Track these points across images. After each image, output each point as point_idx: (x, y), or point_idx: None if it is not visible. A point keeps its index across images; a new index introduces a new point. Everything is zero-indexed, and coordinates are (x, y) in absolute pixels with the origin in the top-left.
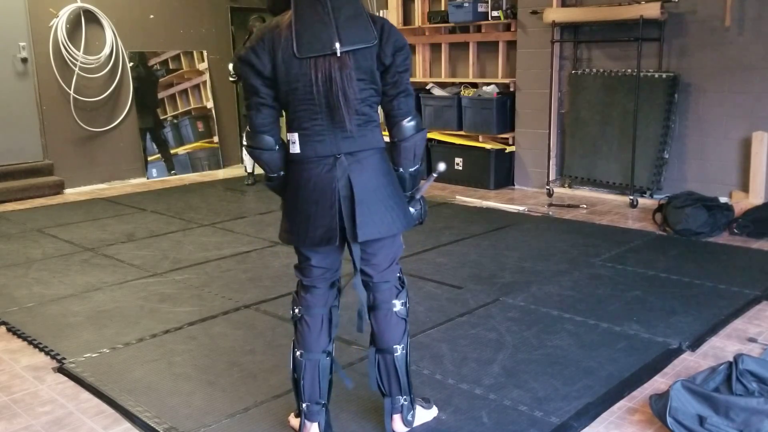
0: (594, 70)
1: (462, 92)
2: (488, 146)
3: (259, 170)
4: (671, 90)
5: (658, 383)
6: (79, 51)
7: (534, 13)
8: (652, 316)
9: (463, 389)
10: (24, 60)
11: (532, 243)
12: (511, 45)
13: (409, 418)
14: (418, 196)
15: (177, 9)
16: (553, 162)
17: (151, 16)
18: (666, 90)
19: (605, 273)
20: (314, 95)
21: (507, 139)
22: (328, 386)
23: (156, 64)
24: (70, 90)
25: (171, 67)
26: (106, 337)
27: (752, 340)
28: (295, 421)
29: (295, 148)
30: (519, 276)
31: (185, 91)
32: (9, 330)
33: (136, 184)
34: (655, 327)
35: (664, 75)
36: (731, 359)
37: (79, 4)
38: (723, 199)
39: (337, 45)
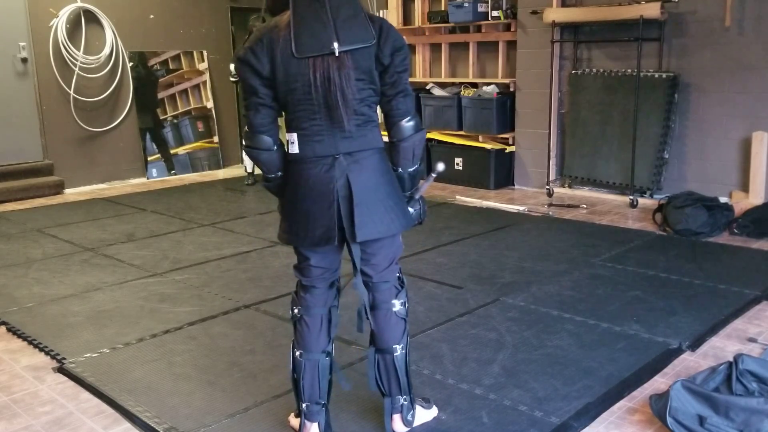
0: (594, 70)
1: (462, 92)
2: (488, 146)
3: (259, 170)
4: (671, 90)
5: (658, 383)
6: (79, 51)
7: (534, 13)
8: (652, 316)
9: (463, 389)
10: (24, 60)
11: (532, 243)
12: (511, 45)
13: (409, 417)
14: (417, 196)
15: (177, 9)
16: (553, 162)
17: (151, 16)
18: (666, 90)
19: (605, 273)
20: (313, 95)
21: (507, 139)
22: (327, 386)
23: (156, 64)
24: (70, 90)
25: (171, 67)
26: (106, 337)
27: (752, 340)
28: (295, 421)
29: (294, 148)
30: (519, 276)
31: (185, 91)
32: (9, 330)
33: (136, 184)
34: (655, 327)
35: (664, 75)
36: (731, 359)
37: (79, 4)
38: (723, 199)
39: (336, 45)
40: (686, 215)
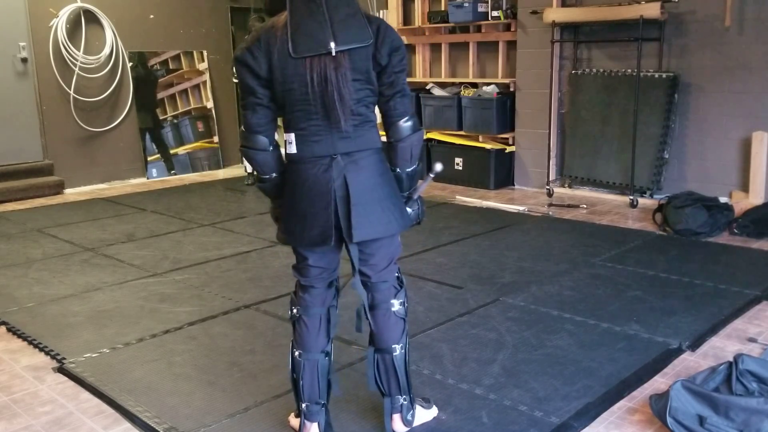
0: (594, 70)
1: (462, 92)
2: (488, 146)
3: None
4: (671, 90)
5: (658, 383)
6: (79, 51)
7: (534, 13)
8: (652, 316)
9: (463, 389)
10: (24, 60)
11: (532, 243)
12: (511, 45)
13: (409, 417)
14: (415, 197)
15: (177, 9)
16: (553, 162)
17: (151, 16)
18: (666, 90)
19: (605, 273)
20: (310, 95)
21: (507, 139)
22: (327, 386)
23: (156, 64)
24: (70, 90)
25: (171, 67)
26: (106, 337)
27: (752, 340)
28: (295, 421)
29: (292, 149)
30: (519, 276)
31: (185, 91)
32: (9, 330)
33: (136, 184)
34: (655, 327)
35: (664, 75)
36: (731, 359)
37: (79, 4)
38: (723, 199)
39: (332, 44)
40: (686, 215)
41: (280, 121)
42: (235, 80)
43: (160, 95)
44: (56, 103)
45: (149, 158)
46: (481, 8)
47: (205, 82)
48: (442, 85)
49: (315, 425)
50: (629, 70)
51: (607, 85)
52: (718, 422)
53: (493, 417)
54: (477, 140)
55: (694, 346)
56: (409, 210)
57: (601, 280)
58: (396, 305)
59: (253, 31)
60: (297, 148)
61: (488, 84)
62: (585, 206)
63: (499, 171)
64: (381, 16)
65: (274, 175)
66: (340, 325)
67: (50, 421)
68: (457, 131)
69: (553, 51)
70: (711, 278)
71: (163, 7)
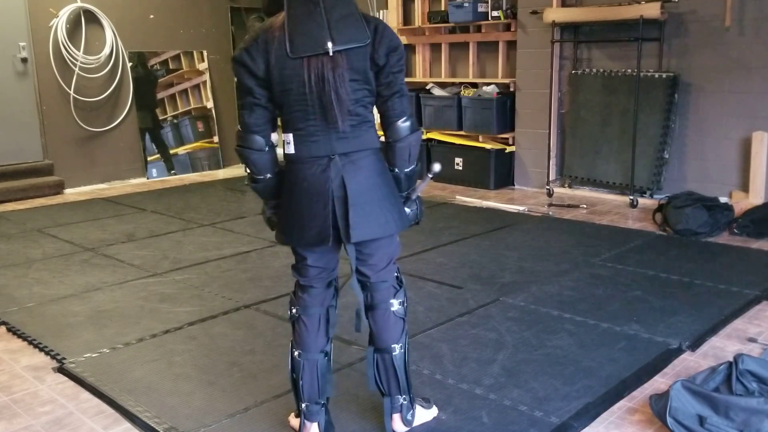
0: (594, 70)
1: (462, 92)
2: (488, 146)
3: None
4: (671, 90)
5: (658, 383)
6: (79, 51)
7: (534, 13)
8: (652, 316)
9: (463, 389)
10: (24, 60)
11: (532, 243)
12: (511, 45)
13: (409, 417)
14: (414, 197)
15: (177, 9)
16: (553, 162)
17: (151, 16)
18: (666, 90)
19: (605, 273)
20: (307, 95)
21: (507, 139)
22: (327, 386)
23: (156, 64)
24: (70, 90)
25: (171, 67)
26: (106, 337)
27: (752, 340)
28: (295, 421)
29: (290, 149)
30: (519, 276)
31: (185, 91)
32: (9, 330)
33: (136, 184)
34: (655, 327)
35: (664, 75)
36: (731, 359)
37: (79, 4)
38: (723, 199)
39: (330, 44)
40: (686, 215)
41: (280, 121)
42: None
43: (160, 95)
44: (56, 103)
45: (149, 158)
46: (481, 8)
47: (205, 82)
48: (442, 85)
49: (315, 425)
50: (629, 70)
51: (607, 85)
52: (718, 422)
53: (493, 417)
54: (477, 140)
55: (694, 346)
56: (407, 210)
57: (601, 280)
58: (395, 305)
59: (251, 32)
60: (295, 149)
61: (488, 84)
62: (585, 206)
63: (499, 171)
64: (381, 17)
65: (268, 176)
66: (340, 325)
67: (50, 421)
68: (457, 131)
69: (553, 51)
70: (711, 278)
71: (163, 7)
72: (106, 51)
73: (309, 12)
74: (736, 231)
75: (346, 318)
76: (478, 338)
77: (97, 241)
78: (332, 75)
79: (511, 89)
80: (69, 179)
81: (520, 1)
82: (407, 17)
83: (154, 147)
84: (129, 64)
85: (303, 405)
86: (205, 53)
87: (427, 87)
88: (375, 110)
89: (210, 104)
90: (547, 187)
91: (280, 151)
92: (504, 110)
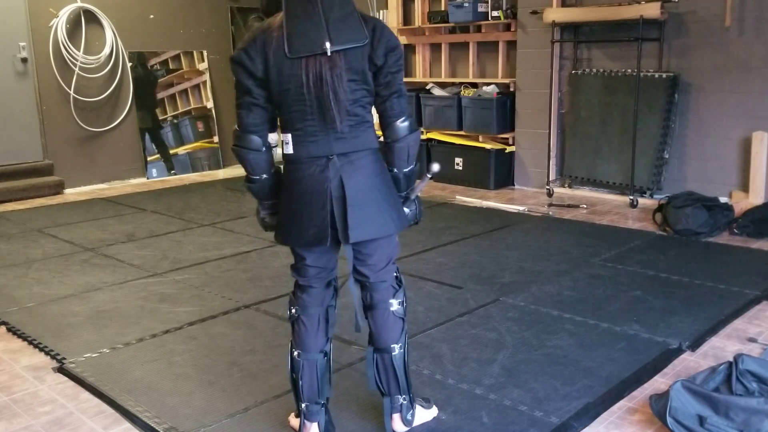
0: (594, 70)
1: (462, 92)
2: (488, 146)
3: None
4: (671, 90)
5: (658, 383)
6: (79, 51)
7: (534, 13)
8: (652, 316)
9: (463, 389)
10: (24, 60)
11: (532, 243)
12: (511, 45)
13: (409, 417)
14: (412, 197)
15: (177, 9)
16: (553, 162)
17: (151, 16)
18: (666, 90)
19: (605, 273)
20: (305, 96)
21: (507, 139)
22: (326, 386)
23: (156, 64)
24: (70, 90)
25: (171, 67)
26: (106, 337)
27: (752, 340)
28: (295, 421)
29: (289, 149)
30: (519, 276)
31: (185, 91)
32: (9, 330)
33: (136, 184)
34: (655, 327)
35: (664, 75)
36: (731, 359)
37: (79, 4)
38: (723, 199)
39: (328, 44)
40: (686, 215)
41: (279, 122)
42: None
43: (160, 95)
44: (56, 103)
45: (149, 158)
46: (481, 8)
47: (205, 82)
48: (442, 85)
49: (315, 425)
50: (629, 70)
51: (607, 85)
52: (718, 422)
53: (493, 417)
54: (477, 140)
55: (694, 346)
56: (406, 210)
57: (601, 280)
58: (394, 305)
59: (249, 32)
60: (294, 149)
61: (488, 84)
62: (585, 206)
63: (499, 171)
64: (381, 17)
65: (264, 176)
66: (340, 325)
67: (50, 421)
68: (457, 131)
69: (553, 51)
70: (711, 278)
71: (163, 7)
72: (106, 51)
73: (307, 12)
74: (736, 231)
75: (346, 318)
76: (478, 338)
77: (97, 241)
78: (330, 75)
79: (511, 89)
80: (69, 179)
81: (520, 1)
82: (407, 17)
83: (154, 147)
84: (129, 64)
85: (303, 405)
86: (205, 53)
87: (427, 87)
88: (374, 110)
89: (210, 104)
90: (547, 187)
91: (280, 151)
92: (504, 110)
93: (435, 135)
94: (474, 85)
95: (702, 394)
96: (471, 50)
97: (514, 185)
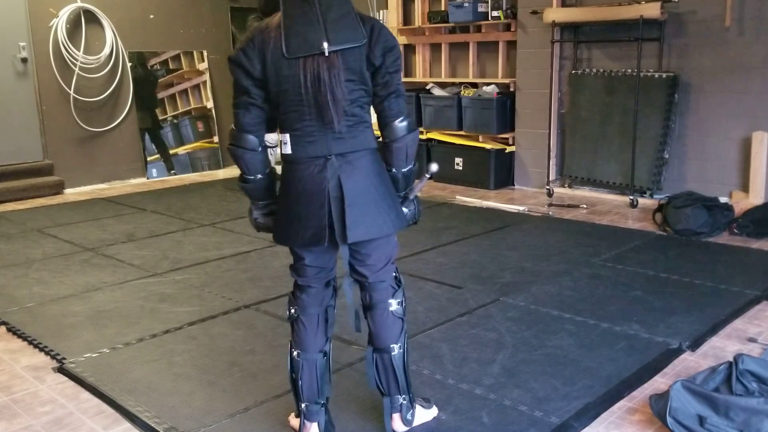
0: (594, 70)
1: (462, 92)
2: (488, 146)
3: None
4: (671, 90)
5: (658, 383)
6: (79, 51)
7: (534, 13)
8: (652, 316)
9: (463, 389)
10: (24, 60)
11: (532, 243)
12: (511, 45)
13: (409, 417)
14: (411, 197)
15: (177, 9)
16: (553, 162)
17: (151, 16)
18: (666, 90)
19: (605, 273)
20: (303, 96)
21: (507, 139)
22: (325, 386)
23: (156, 64)
24: (70, 90)
25: (171, 67)
26: (106, 337)
27: (752, 340)
28: (295, 421)
29: (287, 149)
30: (519, 276)
31: (185, 91)
32: (9, 330)
33: (136, 184)
34: (655, 327)
35: (664, 75)
36: (731, 359)
37: (79, 4)
38: (723, 199)
39: (325, 45)
40: (686, 215)
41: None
42: None
43: (160, 95)
44: (56, 103)
45: (149, 158)
46: (481, 8)
47: (205, 82)
48: (442, 85)
49: (315, 425)
50: (629, 70)
51: (607, 85)
52: (718, 422)
53: (493, 417)
54: (477, 140)
55: (694, 346)
56: (405, 210)
57: (601, 280)
58: (394, 305)
59: (247, 32)
60: (292, 149)
61: (488, 84)
62: (585, 206)
63: (499, 171)
64: (381, 17)
65: (259, 176)
66: (340, 325)
67: (50, 421)
68: (457, 131)
69: (553, 51)
70: (711, 278)
71: (163, 7)
72: (106, 51)
73: (305, 12)
74: (736, 231)
75: (346, 318)
76: (478, 338)
77: (97, 241)
78: (328, 75)
79: (511, 89)
80: (69, 179)
81: (520, 1)
82: (407, 17)
83: (154, 147)
84: (129, 64)
85: (303, 405)
86: (205, 53)
87: (427, 87)
88: (372, 110)
89: (210, 104)
90: (547, 187)
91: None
92: (504, 110)
93: (435, 135)
94: (474, 85)
95: (702, 394)
96: (471, 50)
97: (514, 185)
